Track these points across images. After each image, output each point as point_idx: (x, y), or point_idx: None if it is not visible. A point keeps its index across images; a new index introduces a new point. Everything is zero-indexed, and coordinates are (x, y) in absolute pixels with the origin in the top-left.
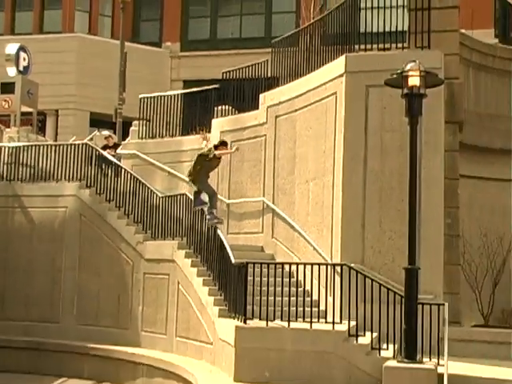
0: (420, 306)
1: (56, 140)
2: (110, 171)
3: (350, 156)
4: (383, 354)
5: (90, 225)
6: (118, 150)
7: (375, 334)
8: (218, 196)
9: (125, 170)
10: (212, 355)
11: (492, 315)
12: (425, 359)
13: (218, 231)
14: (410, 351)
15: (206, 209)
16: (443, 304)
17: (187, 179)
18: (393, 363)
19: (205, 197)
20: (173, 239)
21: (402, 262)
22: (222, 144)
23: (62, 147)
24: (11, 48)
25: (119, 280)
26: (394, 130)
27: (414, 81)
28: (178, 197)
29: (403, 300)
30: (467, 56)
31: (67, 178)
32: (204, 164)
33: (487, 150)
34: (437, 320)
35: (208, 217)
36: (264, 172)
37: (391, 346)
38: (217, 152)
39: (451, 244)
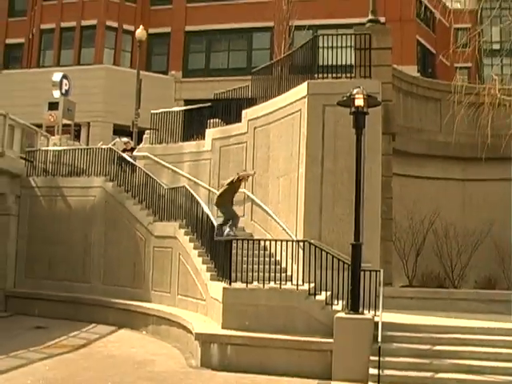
0: (362, 272)
1: (88, 145)
2: (127, 169)
3: (311, 158)
4: (334, 307)
5: (112, 209)
6: (134, 153)
7: (329, 293)
8: (211, 188)
9: (139, 167)
10: (205, 309)
11: (415, 278)
12: (365, 311)
13: (209, 215)
14: (354, 306)
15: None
16: (379, 270)
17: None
18: (342, 315)
19: (227, 230)
20: (175, 221)
21: (350, 239)
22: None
23: (92, 150)
24: (56, 76)
25: (135, 251)
26: (344, 138)
27: (359, 102)
28: (179, 188)
29: (350, 267)
30: (398, 84)
31: (96, 173)
32: (229, 188)
33: (413, 154)
34: (374, 282)
35: (227, 231)
36: (245, 170)
37: (340, 302)
38: (241, 173)
39: (386, 225)
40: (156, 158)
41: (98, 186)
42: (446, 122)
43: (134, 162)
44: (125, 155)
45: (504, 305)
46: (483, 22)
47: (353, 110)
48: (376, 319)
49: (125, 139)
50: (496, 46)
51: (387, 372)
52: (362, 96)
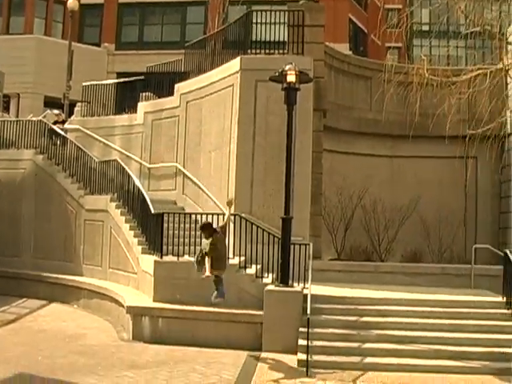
0: (292, 246)
1: (17, 117)
2: (58, 141)
3: (243, 133)
4: (265, 280)
5: (43, 183)
6: (66, 125)
7: (259, 266)
8: (142, 161)
9: (70, 140)
10: (137, 282)
11: (343, 252)
12: (295, 284)
13: (141, 188)
14: (284, 278)
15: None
16: (309, 244)
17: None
18: (271, 287)
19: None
20: (106, 194)
21: (280, 213)
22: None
23: (21, 122)
24: None
25: (66, 225)
26: (275, 114)
27: (291, 78)
28: (111, 162)
29: (280, 241)
30: (330, 62)
31: (25, 146)
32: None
33: (343, 131)
34: (304, 256)
35: (216, 294)
36: (177, 144)
37: (270, 275)
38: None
39: (316, 200)
40: (87, 131)
41: (27, 158)
42: (376, 100)
43: (64, 135)
44: (56, 128)
45: (428, 278)
46: (413, 4)
47: (285, 85)
48: (305, 292)
49: (56, 111)
50: (425, 28)
51: (316, 343)
52: (293, 72)
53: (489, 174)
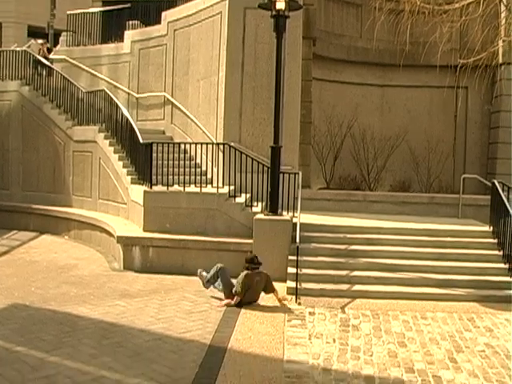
0: (281, 175)
1: (0, 47)
2: (44, 72)
3: (231, 61)
4: (254, 209)
5: (29, 114)
6: (51, 56)
7: (248, 195)
8: (130, 91)
9: (56, 71)
10: (126, 213)
11: (333, 181)
12: (284, 213)
13: (129, 118)
14: (273, 207)
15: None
16: (298, 173)
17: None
18: (261, 216)
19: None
20: (94, 125)
21: (269, 142)
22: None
23: (5, 53)
24: None
25: (54, 157)
26: (264, 42)
27: (281, 5)
28: (98, 92)
29: (269, 170)
30: None
31: (10, 77)
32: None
33: (333, 59)
34: (293, 184)
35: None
36: (165, 73)
37: (260, 204)
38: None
39: (305, 129)
40: (74, 61)
41: (13, 90)
42: (367, 29)
43: (50, 65)
44: (41, 58)
45: (416, 207)
46: None
47: (274, 13)
48: (294, 220)
49: (40, 41)
50: None
51: (305, 271)
52: None
53: (479, 105)
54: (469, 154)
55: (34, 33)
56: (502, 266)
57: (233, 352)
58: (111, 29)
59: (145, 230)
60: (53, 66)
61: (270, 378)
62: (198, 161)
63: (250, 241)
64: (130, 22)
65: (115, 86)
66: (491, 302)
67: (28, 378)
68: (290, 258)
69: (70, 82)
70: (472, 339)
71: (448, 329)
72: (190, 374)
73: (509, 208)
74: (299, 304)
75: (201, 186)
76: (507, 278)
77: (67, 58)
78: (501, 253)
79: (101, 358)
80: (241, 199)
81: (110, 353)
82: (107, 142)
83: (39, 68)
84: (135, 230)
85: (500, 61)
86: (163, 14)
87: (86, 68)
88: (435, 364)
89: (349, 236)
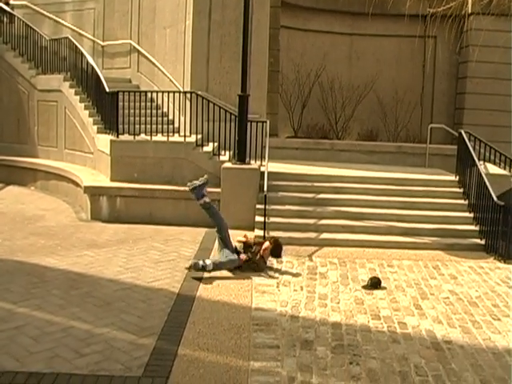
0: (249, 124)
1: None
2: (5, 19)
3: (198, 9)
4: (221, 158)
5: None
6: (12, 1)
7: (216, 144)
8: (95, 39)
9: (18, 18)
10: (93, 162)
11: (300, 130)
12: (252, 162)
13: (95, 67)
14: (240, 156)
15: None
16: (266, 121)
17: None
18: (228, 165)
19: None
20: (59, 74)
21: (237, 91)
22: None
23: None
24: None
25: (18, 106)
26: None
27: None
28: (62, 40)
29: (237, 119)
30: None
31: None
32: None
33: (301, 7)
34: (261, 133)
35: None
36: (131, 20)
37: (228, 153)
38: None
39: (273, 77)
40: (36, 8)
41: None
42: None
43: (11, 12)
44: (1, 4)
45: (384, 156)
46: None
47: None
48: (262, 169)
49: None
50: None
51: (273, 219)
52: None
53: (447, 55)
54: (436, 103)
55: None
56: (466, 214)
57: (201, 300)
58: None
59: (112, 180)
60: (14, 13)
61: (239, 325)
62: (165, 110)
63: (218, 189)
64: None
65: (80, 34)
66: (456, 250)
67: None
68: (258, 206)
69: (33, 30)
70: (437, 286)
71: (414, 276)
72: (159, 322)
73: (475, 158)
74: None
75: (168, 135)
76: (471, 227)
77: (29, 5)
78: (466, 202)
79: (70, 309)
80: (208, 148)
81: (78, 303)
82: (73, 91)
83: (0, 15)
84: (102, 179)
85: (469, 11)
86: None
87: (49, 15)
88: (401, 311)
89: (316, 185)
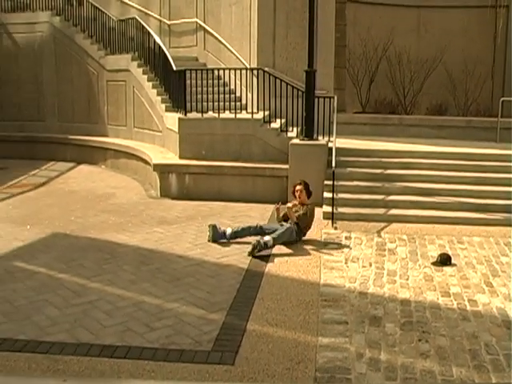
0: (316, 99)
1: None
2: (74, 2)
3: None
4: (289, 134)
5: (62, 45)
6: None
7: (283, 121)
8: (162, 18)
9: (86, 0)
10: (162, 140)
11: (368, 105)
12: (319, 138)
13: (162, 46)
14: (308, 132)
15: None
16: (333, 97)
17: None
18: (296, 141)
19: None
20: (127, 54)
21: (303, 66)
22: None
23: None
24: None
25: (88, 87)
26: None
27: None
28: (130, 20)
29: (304, 94)
30: None
31: (40, 8)
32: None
33: None
34: (328, 109)
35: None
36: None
37: (295, 129)
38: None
39: (340, 52)
40: None
41: (44, 21)
42: None
43: None
44: None
45: (453, 131)
46: None
47: None
48: (330, 145)
49: None
50: None
51: (341, 195)
52: None
53: None
54: (508, 76)
55: None
56: None
57: (270, 276)
58: None
59: (181, 158)
60: None
61: (307, 301)
62: (232, 87)
63: (286, 166)
64: None
65: (146, 14)
66: None
67: (71, 303)
68: (326, 182)
69: (101, 11)
70: (508, 264)
71: (484, 253)
72: (227, 298)
73: None
74: (335, 228)
75: (235, 112)
76: None
77: None
78: None
79: (140, 284)
80: (276, 124)
81: (149, 278)
82: (140, 70)
83: None
84: (171, 157)
85: None
86: None
87: None
88: (471, 288)
89: (384, 160)
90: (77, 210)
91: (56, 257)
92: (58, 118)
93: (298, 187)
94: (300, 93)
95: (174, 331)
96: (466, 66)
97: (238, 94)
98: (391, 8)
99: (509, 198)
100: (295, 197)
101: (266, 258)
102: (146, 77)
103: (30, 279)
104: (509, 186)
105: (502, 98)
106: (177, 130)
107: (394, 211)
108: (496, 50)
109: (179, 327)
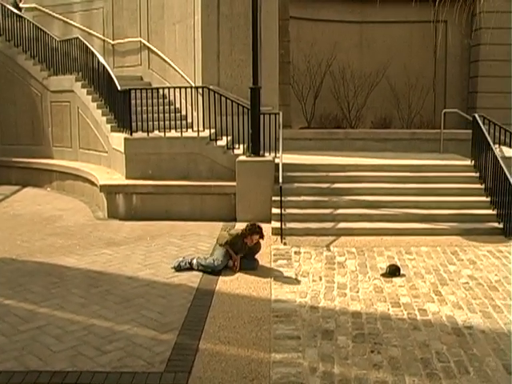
0: (262, 116)
1: None
2: (15, 22)
3: (206, 3)
4: (236, 151)
5: (3, 66)
6: (21, 5)
7: (230, 138)
8: (105, 38)
9: (27, 20)
10: (108, 161)
11: (313, 120)
12: (266, 154)
13: (106, 66)
14: (254, 148)
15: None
16: (278, 113)
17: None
18: (243, 158)
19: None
20: (71, 74)
21: (249, 83)
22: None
23: None
24: None
25: (32, 108)
26: None
27: None
28: (73, 40)
29: (249, 111)
30: None
31: None
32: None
33: None
34: (274, 125)
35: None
36: (140, 18)
37: (242, 146)
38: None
39: (284, 69)
40: (45, 9)
41: None
42: None
43: (21, 15)
44: (10, 7)
45: (398, 143)
46: None
47: None
48: (276, 161)
49: None
50: None
51: (289, 211)
52: None
53: (459, 39)
54: (449, 88)
55: None
56: (483, 199)
57: (220, 294)
58: None
59: (127, 178)
60: (24, 15)
61: (259, 317)
62: (178, 105)
63: (233, 183)
64: None
65: (90, 34)
66: (474, 235)
67: (19, 329)
68: (274, 198)
69: (43, 32)
70: (456, 272)
71: (432, 263)
72: (179, 317)
73: (490, 141)
74: (285, 244)
75: (181, 131)
76: (489, 211)
77: (38, 7)
78: (482, 186)
79: (90, 307)
80: (222, 142)
81: (99, 301)
82: (85, 90)
83: (10, 18)
84: (118, 177)
85: None
86: None
87: (59, 16)
88: (420, 297)
89: (331, 174)
90: (23, 233)
91: (2, 282)
92: (1, 141)
93: (259, 240)
94: (245, 110)
95: (125, 353)
96: (409, 79)
97: (183, 113)
98: (333, 24)
99: (453, 208)
100: (248, 242)
101: (217, 276)
102: (90, 97)
103: None
104: (453, 195)
105: (444, 110)
106: (123, 150)
107: (342, 225)
108: (436, 63)
109: (131, 349)
